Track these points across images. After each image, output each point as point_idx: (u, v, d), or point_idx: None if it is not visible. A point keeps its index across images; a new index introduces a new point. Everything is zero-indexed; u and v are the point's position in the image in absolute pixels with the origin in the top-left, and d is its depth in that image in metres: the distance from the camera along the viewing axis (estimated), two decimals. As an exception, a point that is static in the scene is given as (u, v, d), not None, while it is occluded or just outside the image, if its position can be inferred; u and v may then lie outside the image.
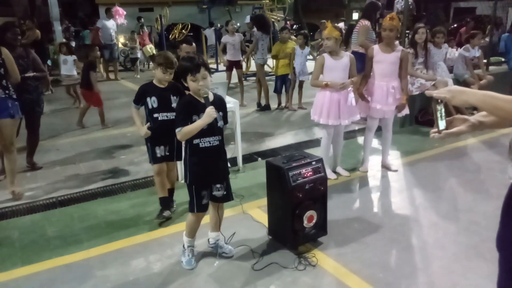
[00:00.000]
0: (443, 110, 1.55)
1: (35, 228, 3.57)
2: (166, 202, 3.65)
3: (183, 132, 2.63)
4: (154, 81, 3.47)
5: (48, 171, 4.87)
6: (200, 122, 2.59)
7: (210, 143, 2.72)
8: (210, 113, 2.56)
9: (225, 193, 2.88)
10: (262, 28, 7.76)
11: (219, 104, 2.72)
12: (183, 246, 2.99)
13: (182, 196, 4.06)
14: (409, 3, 7.51)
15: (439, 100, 1.53)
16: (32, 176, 4.73)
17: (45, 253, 3.17)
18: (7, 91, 3.88)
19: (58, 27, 10.69)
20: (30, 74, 4.48)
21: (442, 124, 1.55)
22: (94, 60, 7.15)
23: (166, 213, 3.59)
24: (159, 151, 3.50)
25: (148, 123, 3.44)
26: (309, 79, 7.29)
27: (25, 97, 4.36)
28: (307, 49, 7.49)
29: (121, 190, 4.30)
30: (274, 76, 7.95)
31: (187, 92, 2.91)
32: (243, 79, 9.08)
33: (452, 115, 1.64)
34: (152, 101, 3.39)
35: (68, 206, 3.98)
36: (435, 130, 1.56)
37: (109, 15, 11.52)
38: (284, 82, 7.59)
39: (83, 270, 2.94)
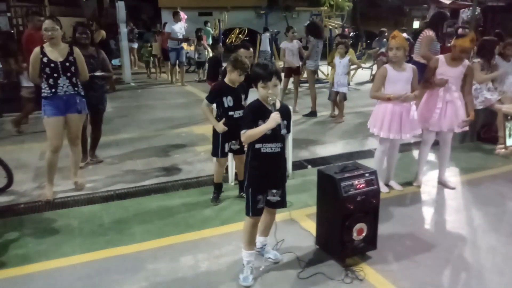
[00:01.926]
0: None
1: (93, 218, 3.78)
2: (219, 187, 4.12)
3: (247, 135, 2.68)
4: (227, 81, 3.74)
5: (107, 165, 5.14)
6: (265, 126, 2.63)
7: (271, 149, 2.75)
8: (275, 118, 2.59)
9: (279, 199, 2.89)
10: (315, 34, 7.74)
11: (285, 112, 2.74)
12: (243, 263, 2.90)
13: (231, 196, 4.15)
14: (476, 13, 7.15)
15: (509, 117, 1.46)
16: (93, 169, 5.01)
17: (101, 243, 3.35)
18: (76, 88, 4.14)
19: (123, 29, 11.24)
20: (99, 73, 4.76)
21: (510, 141, 1.48)
22: None
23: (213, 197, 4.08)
24: (227, 146, 3.85)
25: (224, 119, 3.73)
26: (347, 90, 7.24)
27: (91, 95, 4.63)
28: (347, 59, 7.23)
29: (173, 188, 4.44)
30: (328, 83, 7.87)
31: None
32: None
33: None
34: (228, 100, 3.72)
35: (124, 199, 4.18)
36: (502, 146, 1.50)
37: (177, 18, 11.13)
38: (337, 91, 7.47)
39: (135, 262, 3.08)
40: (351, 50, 7.59)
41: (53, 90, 4.00)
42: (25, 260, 3.11)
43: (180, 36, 11.01)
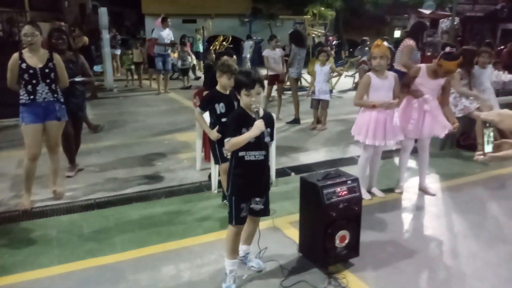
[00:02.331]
0: (491, 133, 1.50)
1: (72, 228, 3.69)
2: None
3: (231, 143, 2.66)
4: (218, 88, 3.73)
5: (88, 173, 5.05)
6: (248, 134, 2.62)
7: (255, 157, 2.73)
8: (259, 125, 2.58)
9: (263, 207, 2.86)
10: (298, 43, 7.80)
11: (268, 120, 2.74)
12: (226, 272, 2.87)
13: (214, 205, 4.11)
14: (455, 23, 7.32)
15: (487, 124, 1.48)
16: (73, 177, 4.90)
17: (80, 253, 3.27)
18: (55, 95, 4.07)
19: (106, 35, 11.13)
20: (79, 79, 4.69)
21: (488, 147, 1.50)
22: None
23: None
24: (226, 152, 3.76)
25: (217, 127, 3.70)
26: (330, 98, 7.27)
27: (70, 101, 4.55)
28: (328, 67, 7.26)
29: (155, 196, 4.38)
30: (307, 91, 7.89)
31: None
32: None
33: (497, 139, 1.58)
34: (221, 107, 3.70)
35: (105, 208, 4.10)
36: (480, 152, 1.52)
37: (165, 24, 10.88)
38: (318, 100, 7.40)
39: (116, 273, 3.01)
40: (330, 58, 7.65)
41: (32, 96, 3.92)
42: (0, 272, 3.01)
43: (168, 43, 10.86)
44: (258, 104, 2.68)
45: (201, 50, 14.81)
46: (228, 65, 3.65)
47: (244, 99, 2.69)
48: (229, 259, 2.86)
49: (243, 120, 2.69)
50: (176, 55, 12.79)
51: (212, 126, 3.78)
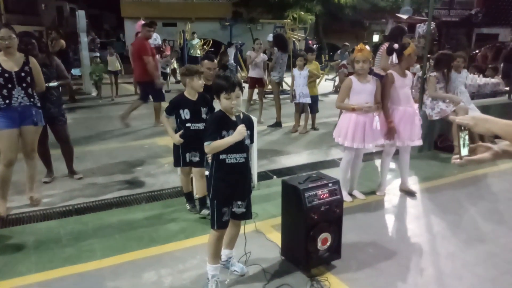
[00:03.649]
0: (466, 137, 1.53)
1: (50, 235, 3.61)
2: (191, 196, 4.10)
3: (212, 146, 2.66)
4: (186, 94, 3.76)
5: (66, 179, 4.94)
6: (231, 139, 2.63)
7: (236, 159, 2.73)
8: (242, 131, 2.60)
9: (244, 210, 2.87)
10: (281, 47, 7.86)
11: (248, 123, 2.75)
12: (208, 277, 2.85)
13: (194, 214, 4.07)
14: (431, 27, 7.48)
15: (462, 127, 1.51)
16: (51, 183, 4.80)
17: (58, 261, 3.19)
18: (31, 99, 3.98)
19: (84, 39, 10.97)
20: (54, 83, 4.58)
21: (464, 151, 1.53)
22: None
23: (191, 206, 4.08)
24: (188, 156, 3.83)
25: (181, 131, 3.72)
26: (310, 100, 7.30)
27: (48, 107, 4.46)
28: (306, 71, 7.23)
29: (136, 201, 4.33)
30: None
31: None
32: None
33: (476, 142, 1.62)
34: (185, 113, 3.72)
35: (83, 214, 4.02)
36: (457, 156, 1.55)
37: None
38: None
39: (95, 280, 2.95)
40: (315, 62, 7.68)
41: (7, 101, 3.82)
42: (-26, 282, 2.92)
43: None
44: (238, 107, 2.69)
45: (199, 55, 14.26)
46: (191, 67, 3.78)
47: (224, 102, 2.69)
48: (211, 264, 2.84)
49: (223, 123, 2.70)
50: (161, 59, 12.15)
51: (177, 130, 3.81)
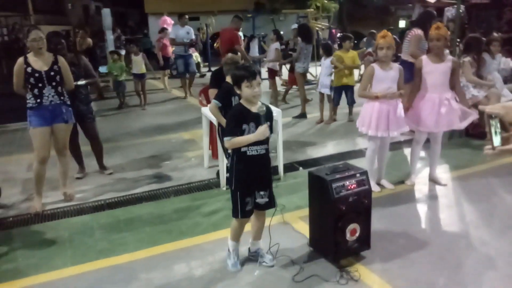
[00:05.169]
0: (498, 125, 1.47)
1: (84, 229, 3.72)
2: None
3: (233, 142, 2.70)
4: None
5: (97, 174, 5.08)
6: (252, 137, 2.68)
7: (257, 151, 2.76)
8: (264, 132, 2.66)
9: (268, 200, 2.91)
10: (305, 38, 7.77)
11: (268, 115, 2.79)
12: (228, 249, 3.05)
13: (223, 202, 4.11)
14: (460, 11, 7.22)
15: (493, 115, 1.45)
16: (83, 179, 4.94)
17: (93, 254, 3.30)
18: (62, 97, 4.09)
19: (110, 36, 11.15)
20: (82, 82, 4.69)
21: (496, 140, 1.47)
22: None
23: None
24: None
25: None
26: (330, 92, 7.15)
27: (76, 105, 4.57)
28: (329, 60, 7.08)
29: (165, 195, 4.40)
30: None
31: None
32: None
33: (508, 131, 1.55)
34: (236, 100, 3.64)
35: (115, 208, 4.13)
36: (489, 146, 1.49)
37: (183, 22, 9.56)
38: (339, 94, 7.21)
39: (128, 272, 3.03)
40: (352, 51, 7.35)
41: (39, 100, 3.95)
42: (15, 275, 3.05)
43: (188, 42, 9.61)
44: (260, 102, 2.73)
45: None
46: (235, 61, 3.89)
47: (245, 91, 2.70)
48: (232, 240, 3.01)
49: (243, 117, 2.73)
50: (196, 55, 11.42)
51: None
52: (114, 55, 9.07)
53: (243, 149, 2.75)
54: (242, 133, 2.72)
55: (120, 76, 8.79)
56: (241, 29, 8.29)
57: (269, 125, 2.74)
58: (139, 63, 8.95)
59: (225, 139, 2.72)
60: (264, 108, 2.74)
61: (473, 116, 4.16)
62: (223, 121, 3.72)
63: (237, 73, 2.75)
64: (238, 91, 2.77)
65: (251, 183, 2.84)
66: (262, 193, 2.87)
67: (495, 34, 6.45)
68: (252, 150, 2.75)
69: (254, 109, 2.72)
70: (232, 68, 3.63)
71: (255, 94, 2.69)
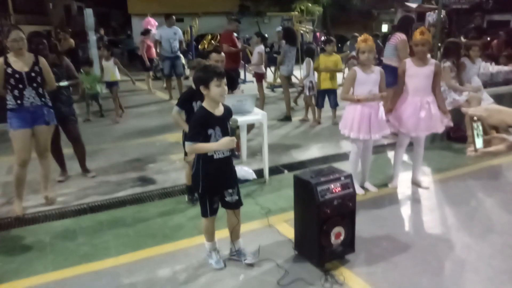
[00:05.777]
0: (480, 128, 1.50)
1: (66, 233, 3.65)
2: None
3: (194, 148, 2.74)
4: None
5: (79, 178, 4.99)
6: (215, 147, 2.73)
7: (223, 154, 2.84)
8: (230, 145, 2.72)
9: (237, 197, 2.98)
10: (290, 40, 7.81)
11: (228, 115, 2.87)
12: (208, 252, 3.10)
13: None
14: (441, 16, 7.37)
15: (475, 118, 1.48)
16: (65, 182, 4.85)
17: (75, 259, 3.24)
18: (43, 99, 4.01)
19: (92, 37, 11.00)
20: (65, 83, 4.61)
21: (479, 142, 1.50)
22: None
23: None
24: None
25: None
26: (308, 93, 7.26)
27: (58, 106, 4.48)
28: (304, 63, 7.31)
29: (149, 198, 4.35)
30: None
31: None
32: (272, 90, 9.13)
33: (488, 134, 1.58)
34: (198, 105, 3.61)
35: (98, 212, 4.06)
36: (472, 148, 1.51)
37: (170, 22, 9.50)
38: (323, 97, 7.30)
39: (111, 278, 2.99)
40: (335, 54, 7.41)
41: (19, 101, 3.87)
42: (-7, 281, 2.97)
43: (176, 43, 9.46)
44: (236, 119, 2.81)
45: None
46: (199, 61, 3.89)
47: (214, 90, 2.71)
48: (208, 241, 3.06)
49: (206, 121, 2.75)
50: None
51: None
52: (85, 66, 7.87)
53: (209, 153, 2.79)
54: (208, 137, 2.75)
55: (93, 89, 7.76)
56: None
57: (230, 124, 2.79)
58: (109, 69, 7.99)
59: (187, 143, 2.75)
60: (238, 122, 2.82)
61: (448, 122, 4.30)
62: (186, 127, 3.61)
63: (205, 73, 2.74)
64: (205, 92, 2.75)
65: (219, 184, 2.90)
66: (230, 191, 2.95)
67: (462, 39, 6.56)
68: (219, 153, 2.81)
69: (217, 112, 2.77)
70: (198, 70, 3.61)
71: (223, 93, 2.72)
